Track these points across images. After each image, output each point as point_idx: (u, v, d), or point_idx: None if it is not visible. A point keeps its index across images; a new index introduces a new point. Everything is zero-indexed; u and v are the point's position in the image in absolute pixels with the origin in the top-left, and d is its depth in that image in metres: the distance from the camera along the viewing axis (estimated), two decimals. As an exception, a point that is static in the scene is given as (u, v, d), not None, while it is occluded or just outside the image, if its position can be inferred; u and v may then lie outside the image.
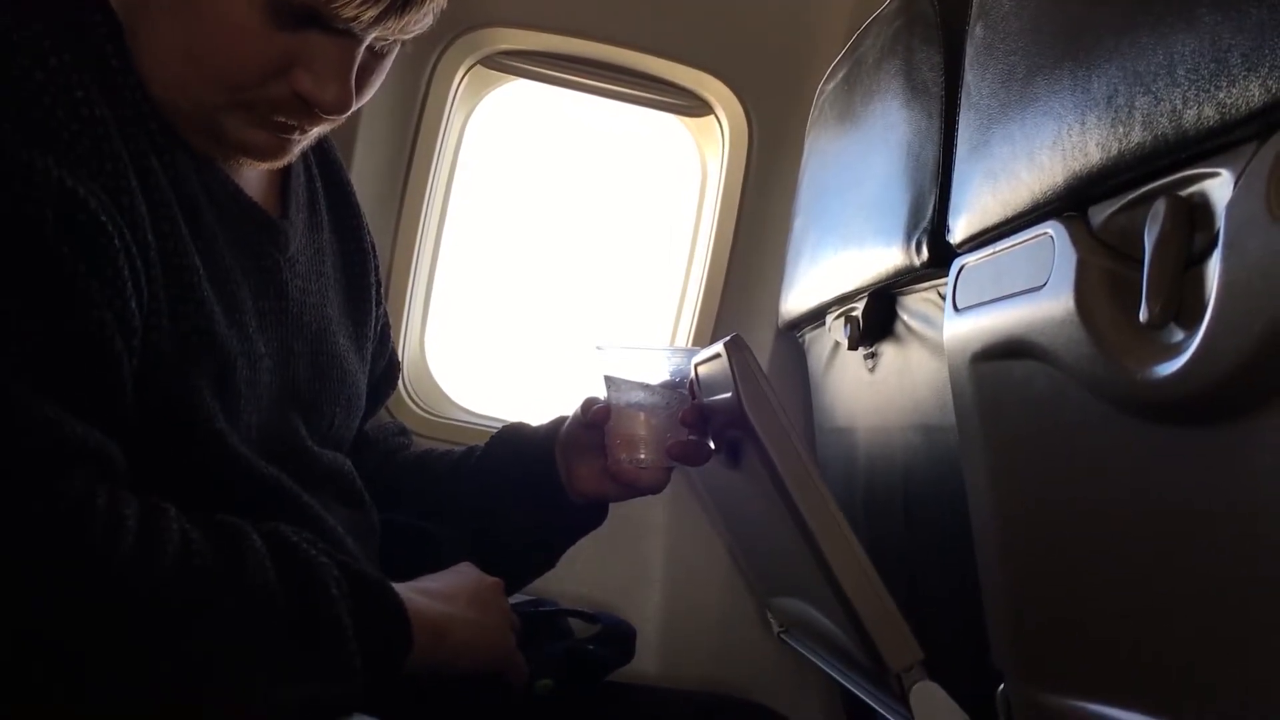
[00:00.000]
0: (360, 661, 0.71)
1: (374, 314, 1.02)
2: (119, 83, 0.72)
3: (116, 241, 0.66)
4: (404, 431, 1.18)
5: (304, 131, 0.79)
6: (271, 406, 0.81)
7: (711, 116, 1.62)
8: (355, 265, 0.99)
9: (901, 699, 0.79)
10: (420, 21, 0.75)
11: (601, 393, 0.99)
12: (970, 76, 0.81)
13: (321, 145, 0.97)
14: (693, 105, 1.61)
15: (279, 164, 0.82)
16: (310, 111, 0.76)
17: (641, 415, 0.96)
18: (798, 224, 1.38)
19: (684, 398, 0.96)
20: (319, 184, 0.96)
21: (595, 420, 0.98)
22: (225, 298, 0.77)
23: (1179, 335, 0.55)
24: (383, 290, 1.06)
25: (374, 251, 1.03)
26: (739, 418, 0.82)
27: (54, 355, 0.64)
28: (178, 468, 0.73)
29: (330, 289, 0.93)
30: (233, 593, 0.66)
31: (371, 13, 0.71)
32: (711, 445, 0.96)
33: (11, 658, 0.60)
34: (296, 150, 0.81)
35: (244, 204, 0.82)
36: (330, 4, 0.70)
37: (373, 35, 0.74)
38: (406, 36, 0.76)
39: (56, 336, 0.64)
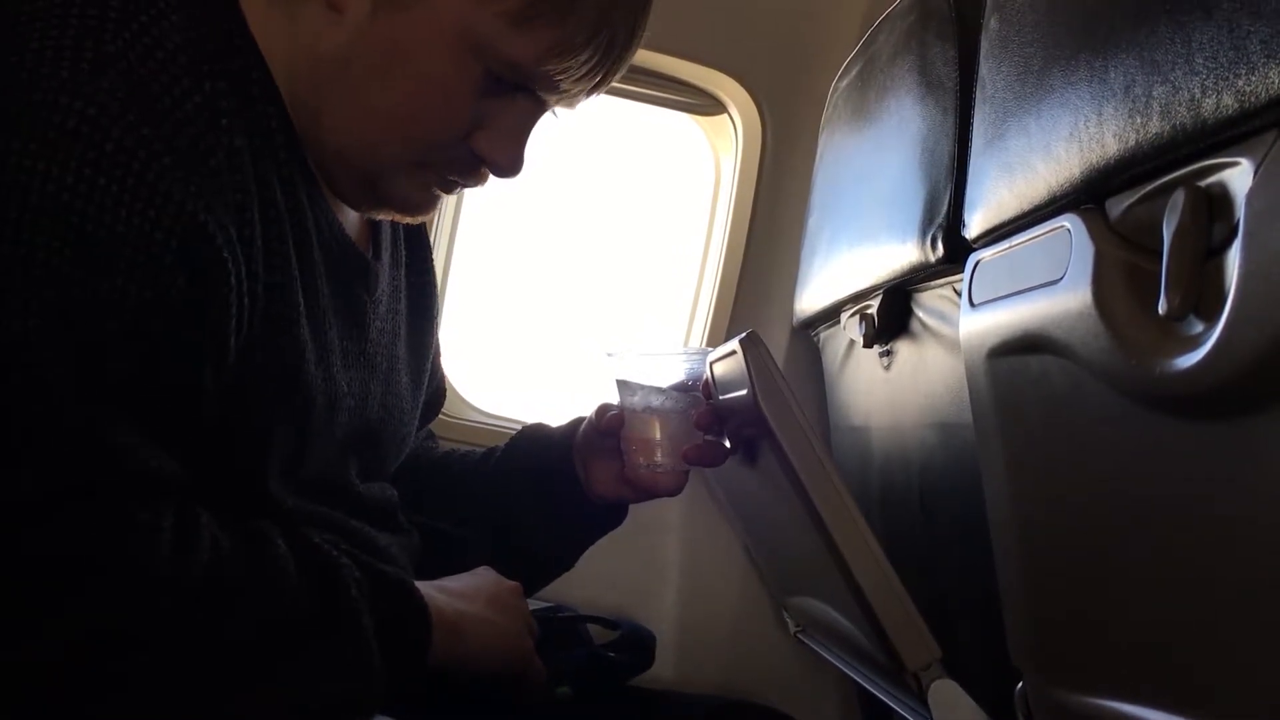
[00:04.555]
0: (380, 661, 0.71)
1: (433, 345, 1.01)
2: (257, 111, 0.71)
3: (232, 279, 0.65)
4: (430, 436, 1.18)
5: (462, 190, 0.79)
6: (337, 447, 0.81)
7: (725, 115, 1.61)
8: (424, 299, 0.98)
9: (919, 698, 0.79)
10: None
11: (615, 397, 0.99)
12: (985, 70, 0.80)
13: None
14: (706, 104, 1.61)
15: (421, 219, 0.83)
16: (479, 171, 0.77)
17: (655, 419, 0.95)
18: (812, 222, 1.38)
19: (697, 400, 0.95)
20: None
21: (609, 428, 0.97)
22: (318, 336, 0.76)
23: (1199, 327, 0.54)
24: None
25: (436, 282, 1.02)
26: (755, 415, 0.81)
27: (142, 382, 0.63)
28: (226, 481, 0.73)
29: (402, 326, 0.92)
30: (256, 599, 0.67)
31: (586, 84, 0.72)
32: (728, 444, 0.96)
33: (46, 663, 0.60)
34: (440, 206, 0.81)
35: (344, 243, 0.80)
36: (554, 76, 0.70)
37: (562, 99, 0.75)
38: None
39: (150, 365, 0.63)
